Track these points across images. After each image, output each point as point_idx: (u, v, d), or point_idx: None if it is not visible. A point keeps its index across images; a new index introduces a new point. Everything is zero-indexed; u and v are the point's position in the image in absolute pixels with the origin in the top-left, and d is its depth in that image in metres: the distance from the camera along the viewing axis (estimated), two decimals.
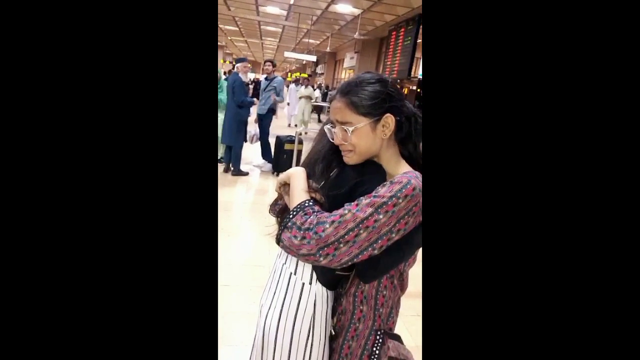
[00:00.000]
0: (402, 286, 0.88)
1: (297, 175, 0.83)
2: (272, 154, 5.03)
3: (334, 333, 0.89)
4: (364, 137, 0.78)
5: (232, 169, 4.67)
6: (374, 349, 0.84)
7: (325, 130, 0.85)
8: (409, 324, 2.11)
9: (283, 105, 8.79)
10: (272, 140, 5.07)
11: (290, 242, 0.73)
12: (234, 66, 4.75)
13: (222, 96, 4.57)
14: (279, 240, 0.76)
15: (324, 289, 0.85)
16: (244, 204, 3.86)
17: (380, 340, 0.85)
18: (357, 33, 10.02)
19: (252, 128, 4.84)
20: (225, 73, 5.34)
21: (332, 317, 0.89)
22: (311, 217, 0.73)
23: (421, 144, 0.83)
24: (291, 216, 0.75)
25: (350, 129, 0.77)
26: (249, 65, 4.58)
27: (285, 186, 0.86)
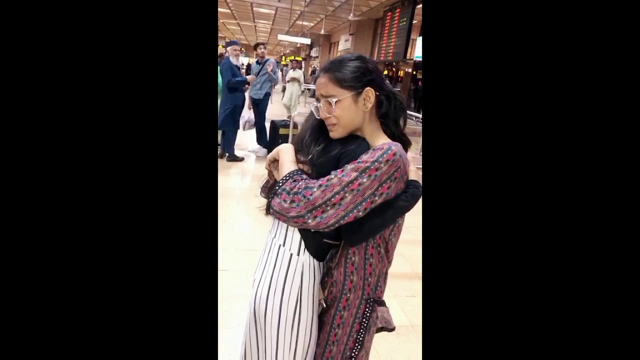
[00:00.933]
0: (389, 257, 0.92)
1: (285, 150, 0.89)
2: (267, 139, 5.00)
3: (325, 306, 0.93)
4: (346, 109, 0.83)
5: (226, 154, 4.64)
6: (364, 317, 0.89)
7: (312, 107, 0.89)
8: (404, 304, 2.15)
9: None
10: (267, 125, 5.03)
11: (280, 207, 0.77)
12: (226, 50, 4.62)
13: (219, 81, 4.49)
14: (268, 208, 0.81)
15: (312, 259, 0.89)
16: (240, 189, 3.85)
17: (370, 309, 0.89)
18: (351, 14, 9.85)
19: (246, 114, 4.79)
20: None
21: (323, 290, 0.93)
22: (300, 182, 0.78)
23: (402, 121, 0.90)
24: (281, 183, 0.80)
25: (334, 100, 0.83)
26: (240, 48, 4.48)
27: (274, 162, 0.90)
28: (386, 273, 0.93)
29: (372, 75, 0.84)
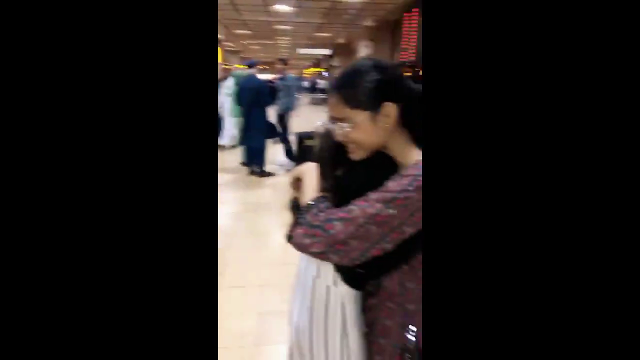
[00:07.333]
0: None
1: (308, 172, 0.82)
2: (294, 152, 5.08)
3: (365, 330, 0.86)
4: (364, 132, 0.73)
5: (257, 170, 4.74)
6: (405, 345, 0.79)
7: (329, 127, 0.82)
8: None
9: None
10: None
11: (301, 241, 0.71)
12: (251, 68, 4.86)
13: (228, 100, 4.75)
14: (289, 238, 0.74)
15: (351, 289, 0.82)
16: (273, 203, 3.89)
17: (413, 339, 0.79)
18: (366, 20, 9.84)
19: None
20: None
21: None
22: (321, 214, 0.71)
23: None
24: (303, 213, 0.74)
25: (347, 125, 0.73)
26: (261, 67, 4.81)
27: (297, 182, 0.85)
28: None
29: (391, 86, 0.73)
